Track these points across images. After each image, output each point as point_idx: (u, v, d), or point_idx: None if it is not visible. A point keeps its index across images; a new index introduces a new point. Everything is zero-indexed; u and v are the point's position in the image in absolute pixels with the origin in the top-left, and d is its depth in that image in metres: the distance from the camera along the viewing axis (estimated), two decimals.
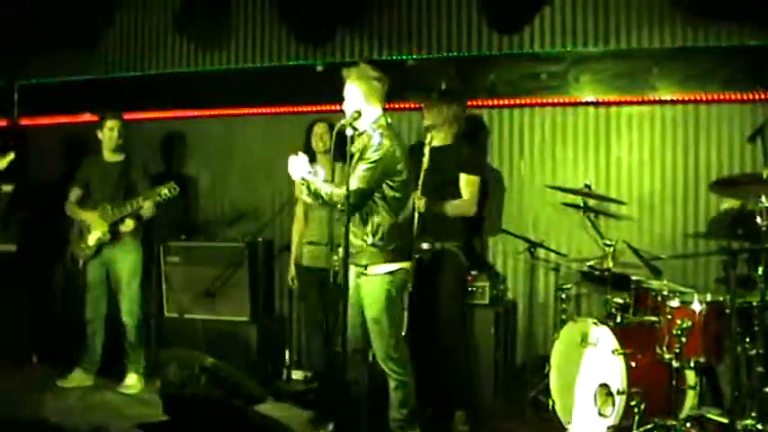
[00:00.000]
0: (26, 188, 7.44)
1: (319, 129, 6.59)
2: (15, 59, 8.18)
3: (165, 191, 6.56)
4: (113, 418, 6.06)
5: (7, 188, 6.96)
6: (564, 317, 6.11)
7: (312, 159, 6.53)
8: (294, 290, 6.95)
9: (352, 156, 5.07)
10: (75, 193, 6.96)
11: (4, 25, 7.87)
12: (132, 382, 6.82)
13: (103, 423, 5.82)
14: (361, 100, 5.14)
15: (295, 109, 7.51)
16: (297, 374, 7.17)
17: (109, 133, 6.87)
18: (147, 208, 6.66)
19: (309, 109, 7.29)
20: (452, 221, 6.01)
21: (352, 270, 5.16)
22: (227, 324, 7.02)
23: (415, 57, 7.19)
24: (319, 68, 7.43)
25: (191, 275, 7.15)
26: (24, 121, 8.39)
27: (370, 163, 5.01)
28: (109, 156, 6.95)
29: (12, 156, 6.68)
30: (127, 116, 7.06)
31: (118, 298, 6.89)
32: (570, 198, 6.34)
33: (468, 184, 6.09)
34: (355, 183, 4.95)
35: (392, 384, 5.17)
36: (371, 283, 5.12)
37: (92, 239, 6.78)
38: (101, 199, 6.82)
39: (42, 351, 7.34)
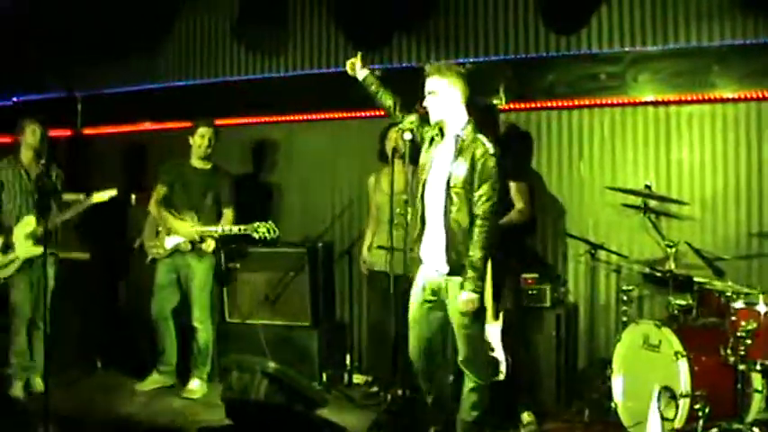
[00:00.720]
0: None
1: (395, 134, 6.59)
2: (78, 70, 8.32)
3: (263, 230, 6.57)
4: (177, 422, 6.15)
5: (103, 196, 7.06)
6: (625, 319, 6.04)
7: (386, 163, 6.58)
8: (360, 293, 6.98)
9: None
10: (160, 193, 7.01)
11: (68, 37, 8.04)
12: (196, 386, 6.90)
13: (167, 427, 5.90)
14: (457, 101, 5.03)
15: (353, 114, 7.54)
16: (358, 379, 7.19)
17: (200, 140, 6.93)
18: (233, 233, 6.72)
19: (368, 114, 7.30)
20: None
21: (433, 275, 5.10)
22: (288, 329, 7.06)
23: (472, 60, 7.16)
24: (377, 73, 7.43)
25: (252, 281, 7.21)
26: (87, 131, 8.54)
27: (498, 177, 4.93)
28: (196, 162, 7.01)
29: (114, 192, 6.76)
30: (186, 124, 7.14)
31: (189, 303, 6.96)
32: (631, 199, 6.28)
33: (518, 191, 6.10)
34: (492, 198, 4.89)
35: (469, 386, 5.11)
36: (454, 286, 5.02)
37: (169, 243, 6.87)
38: (182, 204, 6.90)
39: (110, 357, 7.43)
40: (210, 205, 6.92)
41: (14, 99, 8.71)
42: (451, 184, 4.90)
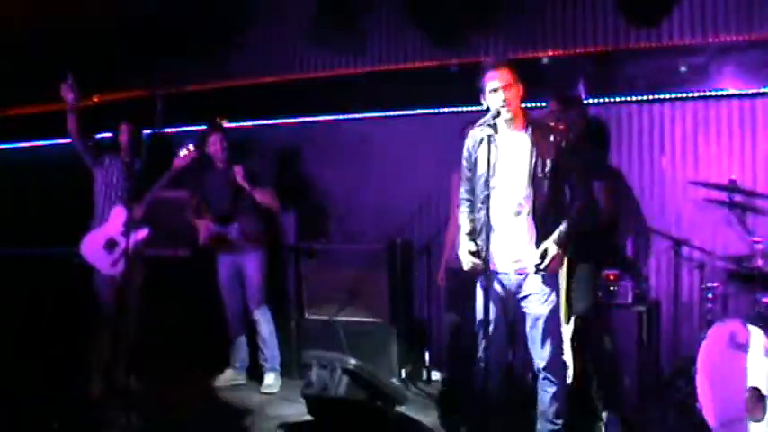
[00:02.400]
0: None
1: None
2: (157, 69, 8.43)
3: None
4: (257, 417, 6.21)
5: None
6: (710, 317, 5.92)
7: None
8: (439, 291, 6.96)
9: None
10: (193, 203, 7.26)
11: (141, 35, 8.17)
12: (271, 381, 7.00)
13: (248, 423, 5.96)
14: (517, 98, 4.97)
15: (431, 111, 7.52)
16: (437, 375, 7.18)
17: (212, 148, 7.16)
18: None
19: (446, 110, 7.29)
20: None
21: (509, 274, 5.04)
22: (366, 325, 7.07)
23: (551, 54, 7.09)
24: (454, 69, 7.41)
25: (331, 277, 7.24)
26: (168, 130, 8.64)
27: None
28: (219, 165, 7.22)
29: (191, 148, 6.89)
30: (263, 122, 7.21)
31: (249, 299, 7.10)
32: (715, 194, 6.15)
33: (603, 190, 6.05)
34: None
35: (551, 392, 5.02)
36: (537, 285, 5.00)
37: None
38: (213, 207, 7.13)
39: (196, 353, 7.53)
40: (239, 202, 7.03)
41: (95, 98, 8.85)
42: (538, 176, 4.87)
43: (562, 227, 4.87)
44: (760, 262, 5.60)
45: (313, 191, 7.90)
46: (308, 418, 5.65)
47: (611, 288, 6.22)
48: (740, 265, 5.88)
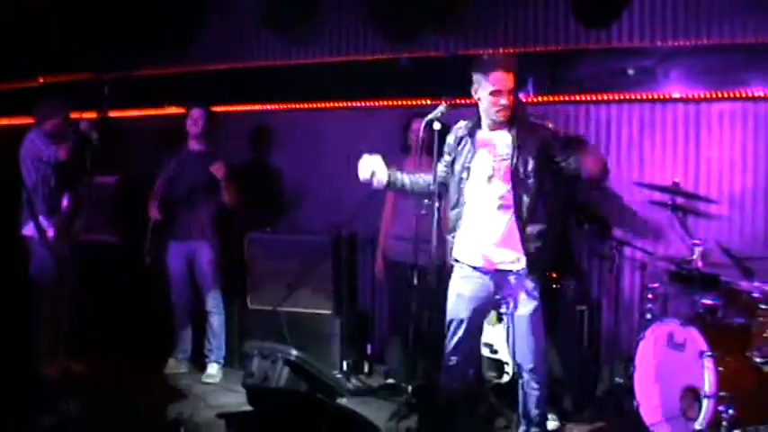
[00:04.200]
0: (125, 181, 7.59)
1: (417, 124, 6.57)
2: (105, 52, 8.31)
3: None
4: (197, 406, 6.17)
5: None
6: (650, 317, 6.00)
7: (408, 153, 6.57)
8: (380, 284, 6.96)
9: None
10: (158, 185, 7.09)
11: (94, 19, 8.04)
12: (213, 371, 6.95)
13: (188, 411, 5.91)
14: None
15: (379, 103, 7.52)
16: (379, 368, 7.18)
17: (191, 123, 7.04)
18: None
19: (395, 103, 7.30)
20: None
21: (485, 273, 5.01)
22: (310, 317, 7.04)
23: (500, 52, 7.12)
24: (405, 63, 7.42)
25: (275, 268, 7.20)
26: (113, 114, 8.53)
27: None
28: (193, 146, 7.10)
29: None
30: (215, 109, 7.16)
31: (200, 289, 7.03)
32: (658, 196, 6.23)
33: None
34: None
35: (536, 394, 5.03)
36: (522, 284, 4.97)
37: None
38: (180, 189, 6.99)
39: (132, 342, 7.45)
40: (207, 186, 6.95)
41: (41, 80, 8.72)
42: (521, 176, 4.83)
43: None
44: (699, 263, 5.68)
45: (262, 180, 7.84)
46: (248, 408, 5.62)
47: (553, 287, 6.27)
48: (680, 267, 5.96)
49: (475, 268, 5.01)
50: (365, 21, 7.60)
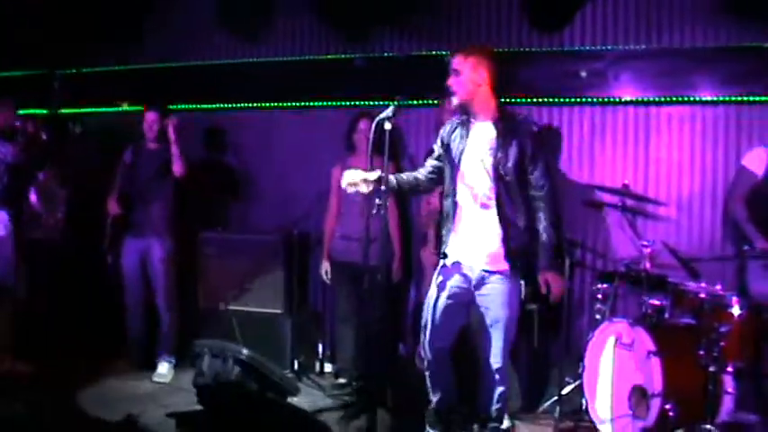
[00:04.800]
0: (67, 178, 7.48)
1: (364, 124, 6.58)
2: (56, 49, 8.21)
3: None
4: (147, 406, 6.11)
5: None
6: (599, 317, 6.06)
7: (353, 153, 6.58)
8: (327, 284, 6.96)
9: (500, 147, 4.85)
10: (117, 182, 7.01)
11: (46, 14, 7.93)
12: (164, 371, 6.89)
13: (137, 411, 5.86)
14: (485, 83, 4.92)
15: (333, 103, 7.51)
16: (329, 368, 7.18)
17: (146, 126, 6.95)
18: None
19: (347, 103, 7.28)
20: None
21: (467, 272, 4.98)
22: (261, 316, 7.02)
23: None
24: (358, 63, 7.42)
25: (226, 267, 7.16)
26: (64, 111, 8.44)
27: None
28: (150, 145, 7.02)
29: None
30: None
31: (153, 287, 6.95)
32: (608, 197, 6.30)
33: None
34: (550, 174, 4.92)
35: (499, 391, 5.04)
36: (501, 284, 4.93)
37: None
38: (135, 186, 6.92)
39: (81, 341, 7.37)
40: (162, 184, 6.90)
41: None
42: (501, 172, 4.80)
43: (543, 252, 4.82)
44: (648, 265, 5.74)
45: (214, 178, 7.80)
46: (199, 407, 5.58)
47: None
48: (629, 267, 6.02)
49: (457, 263, 4.99)
50: (318, 20, 7.58)
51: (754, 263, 5.68)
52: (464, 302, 5.04)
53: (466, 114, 4.97)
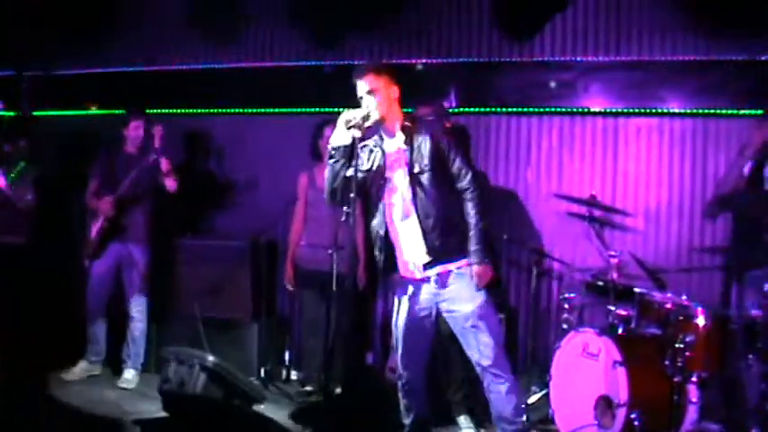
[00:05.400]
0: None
1: (330, 132, 6.57)
2: (26, 50, 8.14)
3: None
4: (112, 412, 6.05)
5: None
6: (566, 326, 6.09)
7: (319, 161, 6.58)
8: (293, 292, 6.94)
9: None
10: (93, 185, 6.92)
11: (16, 14, 7.86)
12: (130, 377, 6.82)
13: (102, 417, 5.81)
14: (395, 97, 4.84)
15: (302, 109, 7.49)
16: (296, 375, 7.15)
17: (134, 133, 6.86)
18: None
19: (317, 110, 7.27)
20: None
21: (418, 281, 4.84)
22: (228, 323, 6.98)
23: (424, 61, 7.17)
24: (328, 70, 7.42)
25: (194, 273, 7.10)
26: (33, 112, 8.36)
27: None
28: (129, 148, 6.93)
29: None
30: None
31: (127, 292, 6.89)
32: (576, 208, 6.34)
33: None
34: (469, 167, 4.79)
35: (503, 389, 4.79)
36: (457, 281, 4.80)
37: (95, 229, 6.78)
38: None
39: (44, 344, 7.29)
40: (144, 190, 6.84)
41: None
42: (417, 171, 4.72)
43: (473, 244, 4.69)
44: (615, 275, 5.79)
45: (182, 184, 7.75)
46: (164, 414, 5.55)
47: None
48: (596, 278, 6.06)
49: (406, 277, 4.90)
50: (290, 26, 7.57)
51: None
52: (428, 315, 4.88)
53: (378, 133, 4.90)
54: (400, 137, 4.85)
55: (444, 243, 4.73)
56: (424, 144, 4.75)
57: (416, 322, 4.88)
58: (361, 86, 4.82)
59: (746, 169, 5.55)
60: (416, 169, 4.73)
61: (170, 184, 6.78)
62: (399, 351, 4.92)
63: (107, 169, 6.89)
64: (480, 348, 4.76)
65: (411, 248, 4.83)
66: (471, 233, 4.71)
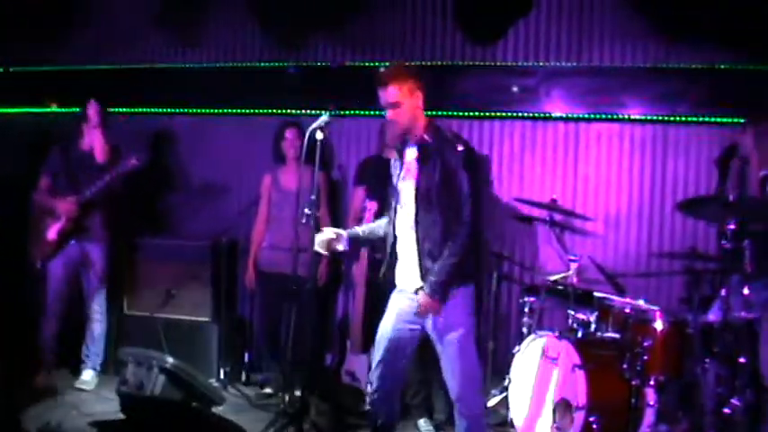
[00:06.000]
0: None
1: (291, 134, 6.58)
2: None
3: None
4: (68, 413, 5.99)
5: None
6: (525, 330, 6.11)
7: (282, 163, 6.58)
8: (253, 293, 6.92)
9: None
10: (45, 182, 6.79)
11: None
12: (88, 378, 6.75)
13: (59, 419, 5.75)
14: (420, 105, 4.65)
15: (266, 110, 7.46)
16: (255, 377, 7.12)
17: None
18: None
19: (280, 111, 7.25)
20: None
21: (411, 299, 4.69)
22: (187, 324, 6.94)
23: (387, 63, 7.15)
24: (291, 71, 7.40)
25: (153, 273, 7.06)
26: None
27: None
28: (85, 145, 6.81)
29: None
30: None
31: (86, 293, 6.81)
32: (537, 212, 6.37)
33: None
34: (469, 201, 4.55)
35: (463, 425, 4.66)
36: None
37: (53, 232, 6.68)
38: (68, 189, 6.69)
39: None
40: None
41: None
42: (423, 192, 4.55)
43: (435, 274, 4.48)
44: (575, 279, 5.82)
45: (142, 183, 7.69)
46: (122, 416, 5.49)
47: None
48: (556, 281, 6.09)
49: (403, 289, 4.78)
50: (254, 27, 7.54)
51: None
52: (419, 329, 4.72)
53: (402, 142, 4.74)
54: (415, 151, 4.68)
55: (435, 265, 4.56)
56: (434, 163, 4.55)
57: (405, 334, 4.73)
58: (385, 97, 4.60)
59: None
60: (423, 186, 4.56)
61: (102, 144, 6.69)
62: (378, 359, 4.74)
63: (63, 167, 6.79)
64: (450, 378, 4.65)
65: (408, 265, 4.70)
66: (439, 264, 4.50)
